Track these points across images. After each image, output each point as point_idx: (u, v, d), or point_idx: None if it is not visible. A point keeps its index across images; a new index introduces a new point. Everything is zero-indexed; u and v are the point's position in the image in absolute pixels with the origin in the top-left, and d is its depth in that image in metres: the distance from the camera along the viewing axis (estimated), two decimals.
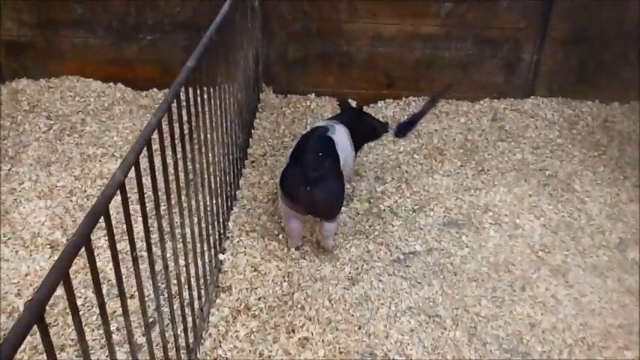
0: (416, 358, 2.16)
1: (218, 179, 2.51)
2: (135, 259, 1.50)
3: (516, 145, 3.51)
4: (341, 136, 2.67)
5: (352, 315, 2.32)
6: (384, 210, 2.92)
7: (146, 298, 1.61)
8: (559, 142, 3.55)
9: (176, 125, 1.79)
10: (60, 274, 1.10)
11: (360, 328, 2.27)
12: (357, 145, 2.89)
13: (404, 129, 3.00)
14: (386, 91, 4.00)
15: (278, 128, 3.56)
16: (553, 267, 2.62)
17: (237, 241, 2.64)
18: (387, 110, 3.84)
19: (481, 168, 3.28)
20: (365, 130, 2.92)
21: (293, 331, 2.23)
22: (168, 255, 1.76)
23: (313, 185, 2.36)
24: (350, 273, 2.53)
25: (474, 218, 2.89)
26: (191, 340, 2.06)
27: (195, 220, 2.09)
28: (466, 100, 3.94)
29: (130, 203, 1.45)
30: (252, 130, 3.52)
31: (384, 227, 2.80)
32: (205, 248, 2.28)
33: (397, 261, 2.61)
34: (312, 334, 2.22)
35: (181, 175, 1.86)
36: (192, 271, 2.11)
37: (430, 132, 3.60)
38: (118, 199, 1.37)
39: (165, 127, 1.67)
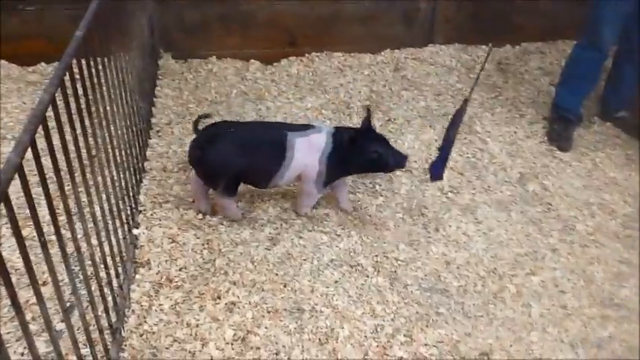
0: (342, 308, 2.22)
1: (123, 152, 2.41)
2: (44, 245, 1.42)
3: (419, 92, 3.61)
4: (309, 143, 2.41)
5: (276, 274, 2.34)
6: None
7: (61, 284, 1.54)
8: (459, 87, 3.68)
9: (72, 100, 1.69)
10: None
11: (285, 286, 2.30)
12: (348, 169, 2.52)
13: (439, 169, 2.50)
14: (289, 49, 3.96)
15: (181, 95, 3.45)
16: (462, 206, 2.75)
17: (151, 214, 2.57)
18: (291, 68, 3.81)
19: (388, 118, 3.35)
20: (366, 158, 2.42)
21: (219, 297, 2.22)
22: (79, 236, 1.68)
23: (199, 149, 2.41)
24: (270, 233, 2.54)
25: None
26: (114, 320, 2.00)
27: (104, 197, 2.00)
28: (368, 53, 3.98)
29: (31, 187, 1.36)
30: (154, 99, 3.39)
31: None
32: (118, 225, 2.19)
33: (315, 217, 2.64)
34: (239, 297, 2.22)
35: (83, 152, 1.76)
36: (107, 250, 2.04)
37: (335, 87, 3.62)
38: (17, 183, 1.28)
39: (60, 103, 1.57)
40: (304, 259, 2.42)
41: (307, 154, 2.42)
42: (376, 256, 2.46)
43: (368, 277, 2.36)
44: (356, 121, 3.31)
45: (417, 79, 3.74)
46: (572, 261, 2.51)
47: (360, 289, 2.31)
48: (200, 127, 2.52)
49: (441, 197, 2.80)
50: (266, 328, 2.13)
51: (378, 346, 2.09)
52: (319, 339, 2.10)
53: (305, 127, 2.49)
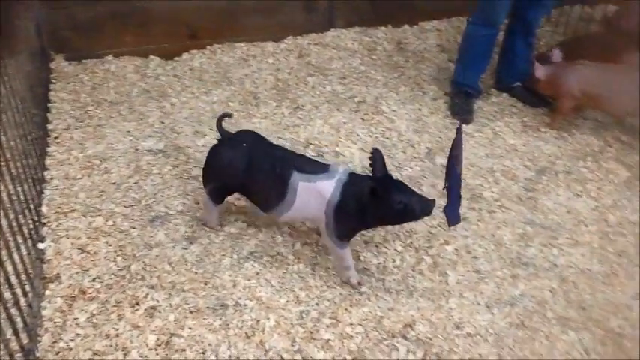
0: (266, 298, 2.22)
1: (19, 164, 2.27)
2: None
3: (325, 77, 3.63)
4: (312, 191, 2.15)
5: (196, 273, 2.29)
6: None
7: None
8: (362, 69, 3.74)
9: None
10: None
11: (206, 284, 2.25)
12: (367, 222, 2.20)
13: (455, 212, 2.21)
14: (189, 42, 3.86)
15: (78, 98, 3.28)
16: None
17: (57, 226, 2.44)
18: (193, 62, 3.72)
19: (296, 105, 3.35)
20: (390, 210, 2.09)
21: (137, 303, 2.14)
22: None
23: (216, 144, 2.36)
24: (186, 232, 2.48)
25: None
26: (25, 341, 1.89)
27: (1, 213, 1.88)
28: (270, 41, 3.95)
29: None
30: (49, 104, 3.20)
31: None
32: (20, 240, 2.07)
33: (228, 210, 2.60)
34: (158, 301, 2.16)
35: None
36: (10, 268, 1.92)
37: (240, 77, 3.57)
38: None
39: None
40: (223, 255, 2.38)
41: (312, 202, 2.16)
42: (295, 243, 2.46)
43: (289, 265, 2.36)
44: (264, 111, 3.28)
45: (321, 65, 3.76)
46: (482, 227, 2.62)
47: (283, 278, 2.31)
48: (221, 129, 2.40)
49: None
50: (190, 328, 2.08)
51: (305, 331, 2.10)
52: (245, 332, 2.08)
53: (318, 169, 2.19)
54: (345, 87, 3.55)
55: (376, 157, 2.13)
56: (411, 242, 2.51)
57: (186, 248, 2.40)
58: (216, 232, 2.48)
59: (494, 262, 2.45)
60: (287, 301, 2.21)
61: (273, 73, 3.64)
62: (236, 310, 2.16)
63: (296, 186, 2.16)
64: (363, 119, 3.26)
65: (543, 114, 3.40)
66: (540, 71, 3.23)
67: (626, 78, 3.05)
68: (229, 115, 2.43)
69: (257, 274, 2.31)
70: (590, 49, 3.37)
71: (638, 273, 2.33)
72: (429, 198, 2.14)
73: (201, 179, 2.43)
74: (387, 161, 2.92)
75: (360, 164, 2.92)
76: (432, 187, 2.81)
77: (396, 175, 2.88)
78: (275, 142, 3.00)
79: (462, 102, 3.38)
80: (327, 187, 2.13)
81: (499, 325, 2.19)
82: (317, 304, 2.21)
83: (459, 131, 2.16)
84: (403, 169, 2.93)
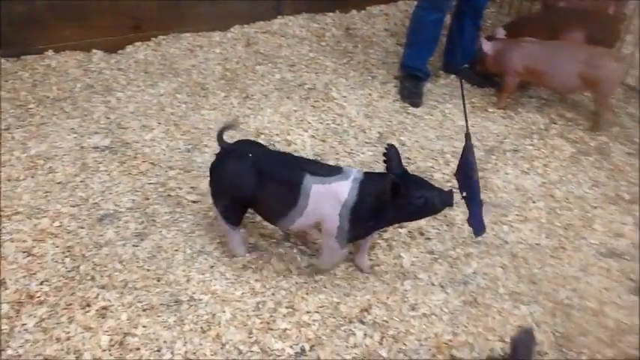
0: (221, 292, 2.19)
1: None
2: None
3: (274, 66, 3.60)
4: (328, 193, 2.04)
5: (148, 270, 2.25)
6: (161, 158, 2.82)
7: None
8: (311, 56, 3.72)
9: None
10: None
11: (159, 280, 2.21)
12: (384, 221, 2.13)
13: (479, 221, 2.09)
14: (133, 34, 3.76)
15: (18, 96, 3.15)
16: None
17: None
18: (138, 54, 3.62)
19: (245, 95, 3.31)
20: (411, 206, 2.03)
21: (88, 305, 2.09)
22: None
23: (216, 159, 2.20)
24: (136, 229, 2.43)
25: None
26: None
27: None
28: (217, 31, 3.89)
29: None
30: None
31: (160, 176, 2.71)
32: None
33: (179, 204, 2.56)
34: (110, 301, 2.11)
35: None
36: None
37: (187, 69, 3.51)
38: None
39: None
40: (176, 250, 2.34)
41: (325, 205, 2.05)
42: (250, 236, 2.44)
43: (244, 256, 2.34)
44: (213, 102, 3.23)
45: (269, 53, 3.72)
46: None
47: (238, 270, 2.29)
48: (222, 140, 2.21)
49: None
50: (144, 327, 2.05)
51: (261, 322, 2.09)
52: (201, 327, 2.06)
53: (331, 170, 2.10)
54: (295, 74, 3.52)
55: (391, 153, 2.06)
56: None
57: (137, 245, 2.35)
58: (167, 228, 2.44)
59: (447, 243, 2.49)
60: (243, 293, 2.19)
61: (220, 63, 3.59)
62: (191, 306, 2.13)
63: (309, 190, 2.06)
64: (313, 106, 3.25)
65: (491, 94, 3.45)
66: (487, 46, 3.28)
67: (565, 54, 3.12)
68: (233, 127, 2.26)
69: (211, 267, 2.29)
70: (532, 28, 3.44)
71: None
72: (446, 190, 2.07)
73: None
74: (339, 147, 2.96)
75: (312, 151, 2.91)
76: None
77: (348, 161, 2.89)
78: (225, 133, 2.99)
79: (411, 85, 3.40)
80: (343, 188, 2.04)
81: (453, 304, 2.22)
82: (273, 294, 2.20)
83: (468, 138, 2.10)
84: (355, 154, 2.93)
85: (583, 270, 2.41)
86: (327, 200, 2.05)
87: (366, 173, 2.10)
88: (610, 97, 3.22)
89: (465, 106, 2.28)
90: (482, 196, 2.68)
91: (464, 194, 2.08)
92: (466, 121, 2.19)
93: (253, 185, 2.10)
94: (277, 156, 2.24)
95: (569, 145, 3.07)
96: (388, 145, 2.09)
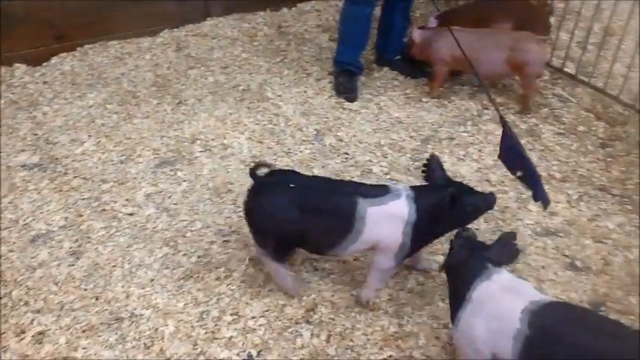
0: (163, 305, 2.15)
1: None
2: None
3: (206, 69, 3.54)
4: (386, 214, 2.00)
5: (85, 289, 2.19)
6: (93, 172, 2.73)
7: None
8: (244, 57, 3.67)
9: None
10: None
11: (97, 299, 2.16)
12: (437, 233, 2.13)
13: (542, 194, 2.10)
14: (57, 45, 3.62)
15: None
16: None
17: None
18: (64, 66, 3.50)
19: (178, 100, 3.25)
20: (462, 214, 2.05)
21: (23, 331, 2.02)
22: None
23: (251, 198, 2.05)
24: (71, 248, 2.35)
25: (184, 151, 2.88)
26: None
27: None
28: (146, 36, 3.80)
29: None
30: None
31: (93, 191, 2.63)
32: None
33: (115, 218, 2.49)
34: (47, 325, 2.04)
35: None
36: None
37: (117, 77, 3.41)
38: None
39: None
40: (113, 266, 2.28)
41: (384, 226, 2.01)
42: (193, 242, 2.40)
43: (184, 267, 2.30)
44: (145, 110, 3.16)
45: (201, 56, 3.66)
46: None
47: (179, 281, 2.24)
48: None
49: (244, 170, 2.78)
50: (84, 348, 1.99)
51: (206, 332, 2.06)
52: (144, 343, 2.02)
53: (380, 190, 2.05)
54: (228, 76, 3.48)
55: (434, 163, 2.08)
56: None
57: (72, 265, 2.28)
58: (103, 244, 2.37)
59: None
60: (185, 304, 2.16)
61: (151, 70, 3.51)
62: (132, 322, 2.08)
63: (364, 213, 1.99)
64: (248, 108, 3.21)
65: (424, 84, 3.49)
66: (417, 34, 3.32)
67: (491, 41, 3.19)
68: (270, 165, 2.12)
69: (151, 281, 2.24)
70: (463, 19, 3.49)
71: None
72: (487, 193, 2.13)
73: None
74: (277, 147, 2.94)
75: (250, 154, 2.89)
76: (324, 168, 2.82)
77: (287, 160, 2.87)
78: (160, 141, 2.93)
79: (345, 80, 3.40)
80: (402, 207, 2.00)
81: (399, 295, 2.24)
82: (217, 302, 2.17)
83: (504, 122, 2.20)
84: (293, 153, 2.92)
85: (521, 250, 2.47)
86: (386, 221, 2.00)
87: (413, 188, 2.07)
88: (536, 80, 3.31)
89: (489, 94, 2.64)
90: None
91: (518, 174, 2.12)
92: (493, 103, 2.53)
93: (299, 219, 1.99)
94: (319, 182, 2.15)
95: (501, 130, 3.13)
96: (431, 155, 2.12)
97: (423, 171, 2.14)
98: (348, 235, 2.01)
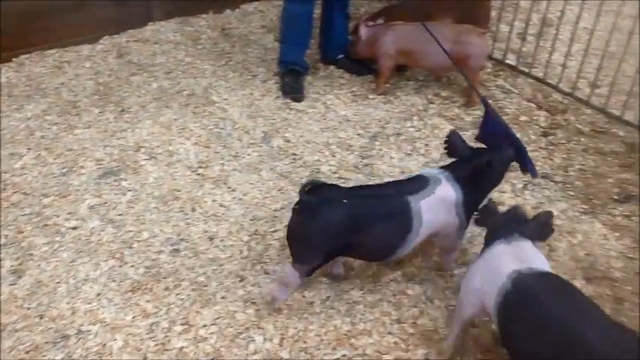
0: (111, 319, 2.10)
1: None
2: None
3: (149, 75, 3.47)
4: (437, 201, 2.06)
5: (29, 308, 2.12)
6: (33, 186, 2.64)
7: None
8: (188, 61, 3.62)
9: None
10: None
11: (41, 318, 2.09)
12: (480, 200, 2.18)
13: (530, 165, 2.24)
14: None
15: None
16: (214, 178, 2.74)
17: None
18: (1, 78, 3.38)
19: (121, 108, 3.18)
20: (498, 177, 2.21)
21: None
22: None
23: (299, 212, 2.02)
24: (12, 266, 2.28)
25: (128, 160, 2.82)
26: None
27: None
28: (86, 44, 3.70)
29: None
30: None
31: (34, 206, 2.54)
32: None
33: (58, 233, 2.42)
34: None
35: None
36: None
37: (56, 87, 3.31)
38: None
39: None
40: (58, 283, 2.22)
41: (439, 214, 2.07)
42: (143, 253, 2.35)
43: (130, 278, 2.25)
44: (87, 119, 3.08)
45: (144, 62, 3.59)
46: None
47: (127, 294, 2.19)
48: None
49: (191, 176, 2.75)
50: None
51: (156, 344, 2.02)
52: None
53: (420, 183, 2.08)
54: (172, 82, 3.42)
55: (454, 137, 2.18)
56: (256, 230, 2.49)
57: (14, 284, 2.20)
58: (46, 260, 2.30)
59: None
60: (134, 317, 2.11)
61: (92, 78, 3.42)
62: (79, 339, 2.02)
63: (419, 209, 2.03)
64: (194, 112, 3.17)
65: (370, 81, 3.51)
66: (363, 31, 3.33)
67: (435, 35, 3.23)
68: (318, 182, 2.08)
69: (98, 295, 2.18)
70: (405, 14, 3.53)
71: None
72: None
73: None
74: (224, 152, 2.91)
75: (196, 159, 2.84)
76: (272, 171, 2.81)
77: (234, 164, 2.85)
78: (103, 150, 2.86)
79: (291, 81, 3.39)
80: (448, 190, 2.08)
81: (350, 294, 2.25)
82: (166, 312, 2.13)
83: (485, 103, 2.34)
84: (241, 157, 2.89)
85: (470, 242, 2.51)
86: (439, 209, 2.06)
87: (446, 168, 2.15)
88: (480, 72, 3.37)
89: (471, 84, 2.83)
90: (370, 182, 2.75)
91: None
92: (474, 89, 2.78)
93: (360, 231, 2.00)
94: (363, 192, 2.16)
95: (447, 123, 3.18)
96: (450, 131, 2.22)
97: (445, 148, 2.22)
98: (408, 235, 2.05)
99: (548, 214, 1.95)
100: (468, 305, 1.89)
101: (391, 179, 2.80)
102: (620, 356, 1.51)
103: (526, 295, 1.71)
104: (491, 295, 1.76)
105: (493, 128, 2.29)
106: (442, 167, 2.17)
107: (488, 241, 1.91)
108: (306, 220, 2.00)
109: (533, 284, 1.72)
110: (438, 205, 2.06)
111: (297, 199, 2.02)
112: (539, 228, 1.91)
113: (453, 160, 2.20)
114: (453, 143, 2.19)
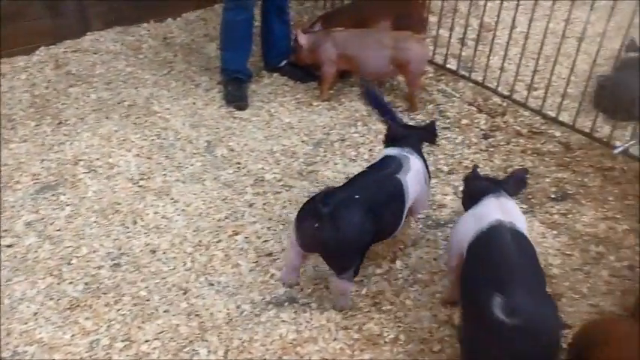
0: (48, 338, 2.03)
1: None
2: None
3: (88, 85, 3.39)
4: (414, 174, 2.28)
5: None
6: None
7: None
8: (129, 71, 3.55)
9: None
10: None
11: None
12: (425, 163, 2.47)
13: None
14: None
15: None
16: (156, 190, 2.70)
17: None
18: None
19: (59, 121, 3.09)
20: (433, 133, 2.56)
21: None
22: None
23: (323, 222, 2.00)
24: None
25: (66, 174, 2.74)
26: None
27: None
28: (21, 55, 3.59)
29: None
30: None
31: None
32: None
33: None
34: None
35: None
36: None
37: None
38: None
39: None
40: None
41: (417, 184, 2.31)
42: (81, 268, 2.28)
43: (69, 295, 2.18)
44: (23, 133, 2.98)
45: (82, 72, 3.50)
46: (269, 209, 2.65)
47: (65, 312, 2.13)
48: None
49: (132, 188, 2.70)
50: None
51: None
52: None
53: (395, 162, 2.29)
54: (112, 92, 3.35)
55: (394, 125, 2.57)
56: (200, 241, 2.46)
57: None
58: None
59: (284, 242, 2.49)
60: (73, 335, 2.05)
61: (28, 90, 3.31)
62: None
63: (407, 184, 2.24)
64: (135, 123, 3.11)
65: (314, 88, 3.52)
66: (302, 39, 3.34)
67: (374, 40, 3.28)
68: (333, 190, 2.12)
69: (35, 314, 2.11)
70: (343, 20, 3.56)
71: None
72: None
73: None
74: (166, 162, 2.87)
75: (138, 170, 2.79)
76: (215, 180, 2.78)
77: (177, 175, 2.81)
78: (40, 165, 2.78)
79: (234, 89, 3.37)
80: (416, 163, 2.33)
81: (301, 301, 2.24)
82: (107, 329, 2.08)
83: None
84: (184, 167, 2.86)
85: (414, 245, 2.54)
86: (417, 180, 2.31)
87: (399, 145, 2.37)
88: (420, 77, 3.42)
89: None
90: (314, 189, 2.77)
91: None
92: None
93: (376, 221, 2.11)
94: (362, 182, 2.23)
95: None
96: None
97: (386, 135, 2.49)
98: (404, 208, 2.26)
99: (523, 171, 2.20)
100: (455, 251, 2.05)
101: (336, 185, 2.82)
102: (533, 320, 1.64)
103: (492, 240, 1.88)
104: (470, 237, 1.94)
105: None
106: (397, 146, 2.37)
107: (476, 199, 2.07)
108: (334, 232, 2.02)
109: (505, 235, 1.87)
110: (415, 178, 2.30)
111: (301, 214, 2.10)
112: (515, 183, 2.14)
113: (396, 137, 2.42)
114: (394, 129, 2.48)
